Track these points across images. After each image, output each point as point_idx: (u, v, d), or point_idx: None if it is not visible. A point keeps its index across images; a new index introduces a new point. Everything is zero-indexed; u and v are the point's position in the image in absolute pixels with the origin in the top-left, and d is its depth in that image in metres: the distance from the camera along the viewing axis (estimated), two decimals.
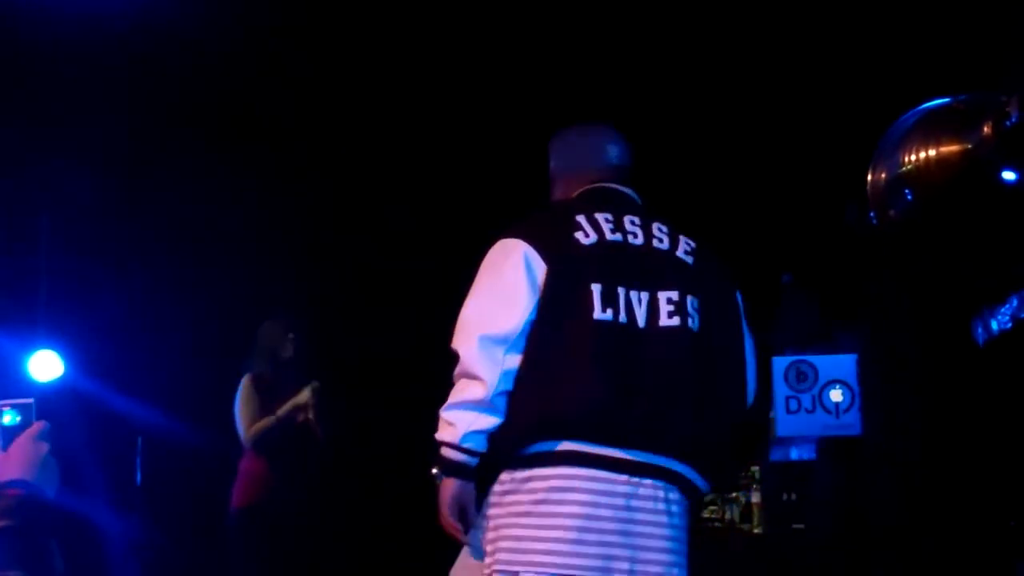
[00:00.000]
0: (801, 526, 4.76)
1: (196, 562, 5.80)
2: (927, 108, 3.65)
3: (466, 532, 2.74)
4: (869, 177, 3.78)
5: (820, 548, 4.64)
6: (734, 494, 5.12)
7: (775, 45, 5.44)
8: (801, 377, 4.78)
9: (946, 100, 3.65)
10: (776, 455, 5.29)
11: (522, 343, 2.62)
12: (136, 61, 5.75)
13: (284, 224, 6.39)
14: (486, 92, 5.92)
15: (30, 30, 5.53)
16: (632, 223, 2.77)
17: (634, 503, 2.58)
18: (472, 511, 2.71)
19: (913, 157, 3.52)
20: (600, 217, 2.75)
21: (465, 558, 2.84)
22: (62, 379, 6.26)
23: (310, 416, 5.11)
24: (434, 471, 2.74)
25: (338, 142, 6.22)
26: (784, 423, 4.80)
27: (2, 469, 2.14)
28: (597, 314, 2.61)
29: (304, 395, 5.12)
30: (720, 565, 4.80)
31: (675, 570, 2.61)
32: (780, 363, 4.83)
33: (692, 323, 2.66)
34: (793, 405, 4.75)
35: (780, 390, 4.76)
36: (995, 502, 4.36)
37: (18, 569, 1.98)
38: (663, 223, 2.80)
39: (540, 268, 2.65)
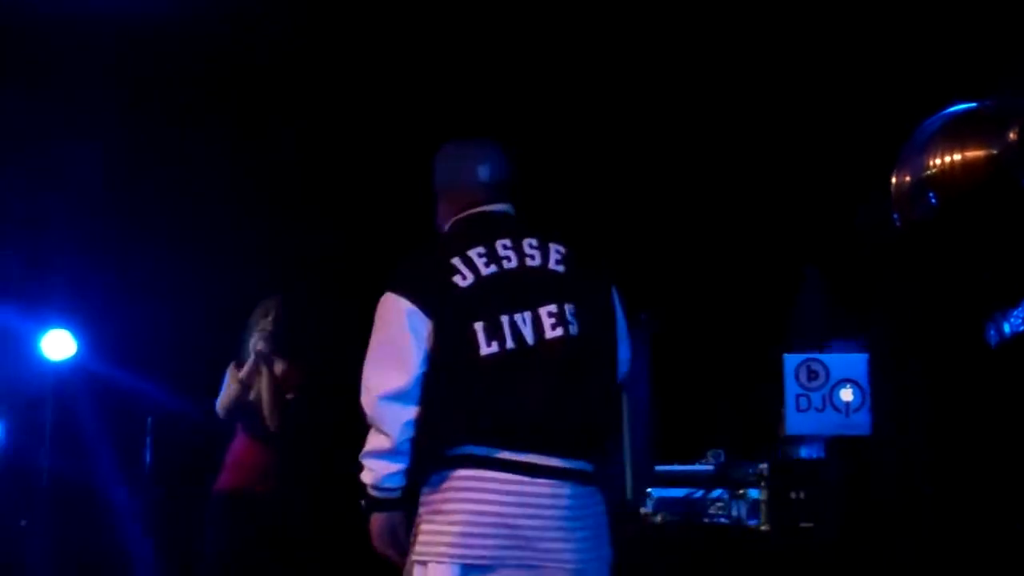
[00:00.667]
0: (809, 524, 4.77)
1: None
2: (952, 112, 3.67)
3: (400, 555, 3.09)
4: (893, 180, 3.80)
5: (828, 546, 4.66)
6: (740, 491, 5.13)
7: (796, 46, 5.46)
8: (812, 375, 4.80)
9: (972, 105, 3.67)
10: (784, 453, 5.31)
11: (418, 392, 2.99)
12: (142, 39, 5.78)
13: (300, 201, 6.41)
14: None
15: (41, 12, 5.56)
16: (504, 247, 3.08)
17: (527, 500, 2.92)
18: (403, 535, 3.08)
19: (938, 161, 3.54)
20: (473, 254, 3.04)
21: None
22: (74, 358, 6.29)
23: (262, 388, 5.07)
24: (362, 503, 3.13)
25: (354, 117, 6.23)
26: (794, 421, 4.82)
27: None
28: (483, 351, 2.95)
29: (245, 369, 5.10)
30: (726, 563, 4.82)
31: (574, 555, 2.94)
32: (791, 361, 4.85)
33: (572, 329, 3.01)
34: (803, 403, 4.78)
35: (791, 388, 4.78)
36: (1004, 505, 4.38)
37: None
38: (533, 237, 3.11)
39: (424, 323, 2.98)
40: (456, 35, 5.86)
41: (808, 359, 4.81)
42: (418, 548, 2.99)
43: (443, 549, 2.94)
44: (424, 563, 2.96)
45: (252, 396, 5.03)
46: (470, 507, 2.93)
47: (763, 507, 4.93)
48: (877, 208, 4.30)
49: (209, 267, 6.24)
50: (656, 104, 6.13)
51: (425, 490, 3.04)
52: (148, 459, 6.45)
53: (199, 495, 5.87)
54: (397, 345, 3.02)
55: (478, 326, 2.98)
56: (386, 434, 3.03)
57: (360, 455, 3.08)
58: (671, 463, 5.33)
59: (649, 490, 5.16)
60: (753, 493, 5.03)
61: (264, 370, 5.03)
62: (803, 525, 4.73)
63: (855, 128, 5.29)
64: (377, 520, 3.12)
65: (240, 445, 5.09)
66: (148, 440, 6.42)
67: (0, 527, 6.12)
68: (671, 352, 5.71)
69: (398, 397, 3.01)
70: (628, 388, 5.26)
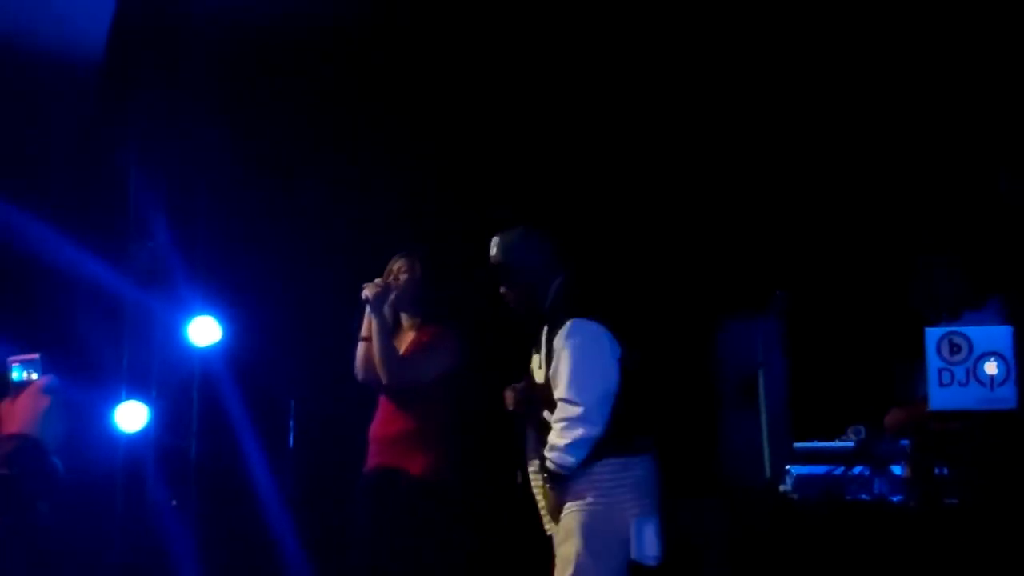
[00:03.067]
0: (954, 501, 4.67)
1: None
2: None
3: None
4: None
5: (974, 522, 4.56)
6: (882, 468, 5.05)
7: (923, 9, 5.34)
8: (954, 349, 4.67)
9: None
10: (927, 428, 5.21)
11: None
12: (282, 40, 5.91)
13: (441, 183, 6.46)
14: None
15: (189, 19, 5.73)
16: None
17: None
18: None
19: None
20: None
21: None
22: (220, 343, 6.41)
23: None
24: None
25: (492, 106, 6.28)
26: (936, 396, 4.69)
27: (7, 422, 2.24)
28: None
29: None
30: (869, 539, 4.75)
31: None
32: (932, 335, 4.71)
33: None
34: (946, 378, 4.64)
35: (932, 363, 4.65)
36: None
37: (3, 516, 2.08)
38: None
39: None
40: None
41: (950, 332, 4.67)
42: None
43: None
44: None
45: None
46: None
47: (906, 483, 4.84)
48: (1016, 174, 4.20)
49: (353, 251, 6.31)
50: (789, 81, 6.08)
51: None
52: (291, 442, 6.59)
53: (341, 478, 5.95)
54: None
55: None
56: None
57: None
58: (810, 440, 5.26)
59: (788, 467, 5.11)
60: (896, 469, 4.95)
61: (371, 317, 4.90)
62: (948, 501, 4.63)
63: (991, 95, 5.17)
64: None
65: (378, 412, 5.03)
66: (291, 423, 6.55)
67: (153, 507, 6.31)
68: (807, 329, 5.63)
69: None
70: (764, 366, 5.21)
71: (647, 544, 4.41)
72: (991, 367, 4.57)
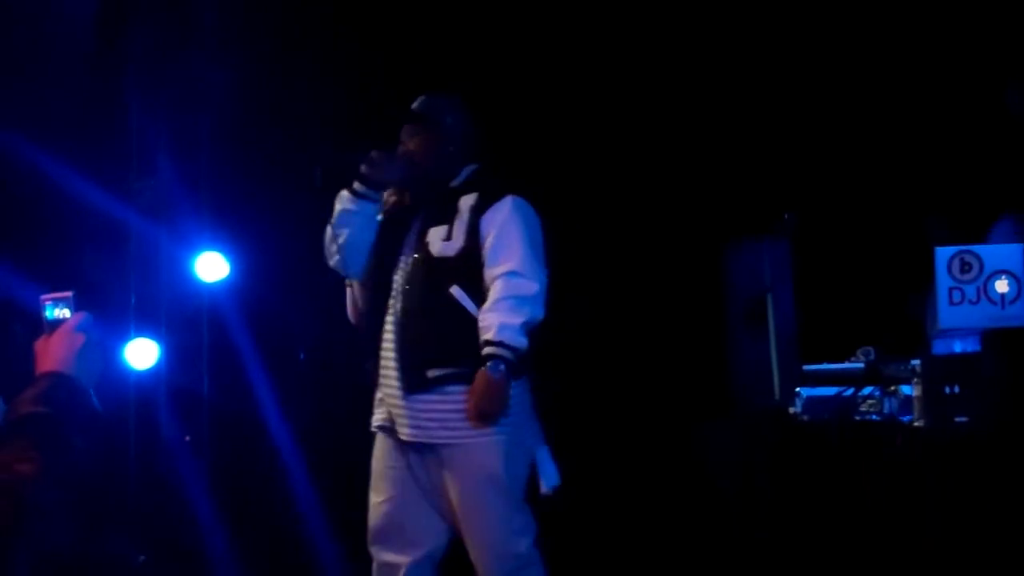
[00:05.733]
0: (964, 419, 4.66)
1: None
2: None
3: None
4: None
5: (984, 440, 4.56)
6: (892, 388, 5.04)
7: None
8: (965, 268, 4.65)
9: None
10: (938, 347, 5.20)
11: None
12: None
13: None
14: None
15: None
16: None
17: None
18: None
19: None
20: None
21: None
22: (228, 279, 6.40)
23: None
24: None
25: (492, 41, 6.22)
26: (947, 315, 4.68)
27: (42, 360, 2.23)
28: None
29: None
30: (879, 458, 4.75)
31: None
32: (943, 254, 4.70)
33: None
34: (956, 296, 4.64)
35: (943, 281, 4.64)
36: None
37: (37, 454, 2.07)
38: None
39: None
40: None
41: (961, 251, 4.66)
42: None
43: None
44: None
45: None
46: None
47: (916, 403, 4.83)
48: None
49: None
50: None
51: None
52: (303, 377, 6.60)
53: (352, 411, 5.94)
54: None
55: None
56: None
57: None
58: (820, 362, 5.25)
59: (798, 390, 5.10)
60: (906, 389, 4.94)
61: None
62: (958, 420, 4.63)
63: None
64: None
65: None
66: (302, 357, 6.56)
67: (166, 443, 6.34)
68: (817, 250, 5.61)
69: None
70: (773, 288, 5.19)
71: (551, 473, 4.17)
72: (1002, 285, 4.55)
